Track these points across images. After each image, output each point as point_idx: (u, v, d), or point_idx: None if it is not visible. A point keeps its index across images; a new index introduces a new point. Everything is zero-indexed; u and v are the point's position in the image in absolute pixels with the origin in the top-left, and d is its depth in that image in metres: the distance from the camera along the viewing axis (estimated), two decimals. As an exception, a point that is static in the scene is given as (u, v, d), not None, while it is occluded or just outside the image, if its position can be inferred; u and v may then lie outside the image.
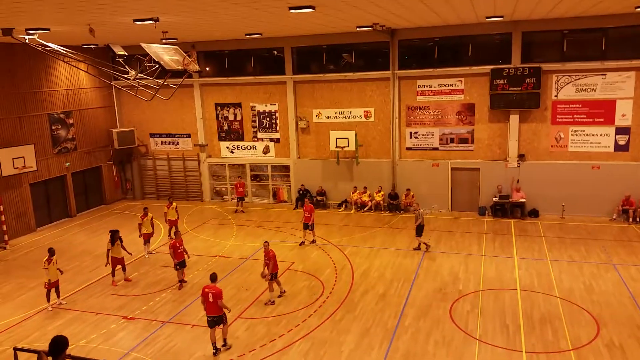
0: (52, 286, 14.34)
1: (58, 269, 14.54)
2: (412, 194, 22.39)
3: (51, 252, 14.47)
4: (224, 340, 11.93)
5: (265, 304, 14.06)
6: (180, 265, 15.44)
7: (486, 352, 11.27)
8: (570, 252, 16.98)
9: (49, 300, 14.37)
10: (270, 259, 14.05)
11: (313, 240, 18.97)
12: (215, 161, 25.70)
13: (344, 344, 11.83)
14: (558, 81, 20.47)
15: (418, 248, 17.74)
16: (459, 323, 12.56)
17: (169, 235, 19.59)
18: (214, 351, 11.64)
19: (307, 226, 18.72)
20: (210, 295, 11.61)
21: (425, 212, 18.34)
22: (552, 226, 19.81)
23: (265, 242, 14.72)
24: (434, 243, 18.32)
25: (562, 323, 12.35)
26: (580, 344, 11.40)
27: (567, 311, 12.95)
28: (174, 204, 19.87)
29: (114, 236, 15.80)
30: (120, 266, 15.93)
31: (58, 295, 14.57)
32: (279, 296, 14.43)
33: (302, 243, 18.82)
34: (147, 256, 18.10)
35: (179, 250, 15.35)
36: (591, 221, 19.96)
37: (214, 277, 12.09)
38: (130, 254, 16.48)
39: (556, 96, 20.57)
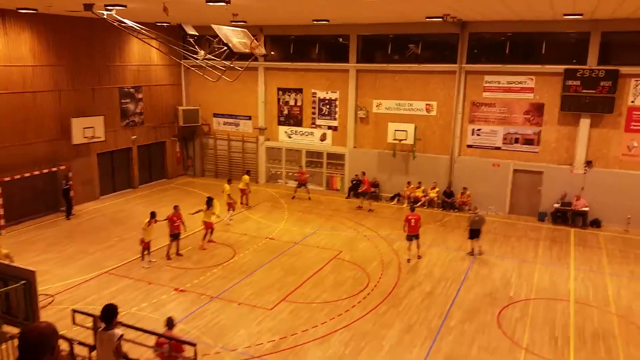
0: (147, 245, 15.68)
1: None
2: (468, 193, 21.84)
3: (153, 215, 15.80)
4: None
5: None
6: (174, 237, 16.26)
7: (532, 362, 10.93)
8: (632, 268, 16.08)
9: (143, 259, 15.80)
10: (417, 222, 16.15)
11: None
12: (273, 145, 26.01)
13: (385, 339, 11.78)
14: (637, 86, 19.25)
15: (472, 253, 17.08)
16: (506, 330, 12.21)
17: (241, 203, 21.71)
18: None
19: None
20: (165, 346, 8.48)
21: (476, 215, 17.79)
22: (614, 238, 18.80)
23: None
24: (489, 246, 17.82)
25: (616, 341, 11.76)
26: (635, 365, 10.85)
27: (624, 330, 12.30)
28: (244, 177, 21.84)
29: (210, 202, 17.18)
30: (210, 230, 17.30)
31: (149, 253, 15.88)
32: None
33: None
34: (229, 221, 19.70)
35: (175, 224, 16.15)
36: (660, 237, 18.79)
37: (170, 323, 9.19)
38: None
39: (633, 102, 19.35)
